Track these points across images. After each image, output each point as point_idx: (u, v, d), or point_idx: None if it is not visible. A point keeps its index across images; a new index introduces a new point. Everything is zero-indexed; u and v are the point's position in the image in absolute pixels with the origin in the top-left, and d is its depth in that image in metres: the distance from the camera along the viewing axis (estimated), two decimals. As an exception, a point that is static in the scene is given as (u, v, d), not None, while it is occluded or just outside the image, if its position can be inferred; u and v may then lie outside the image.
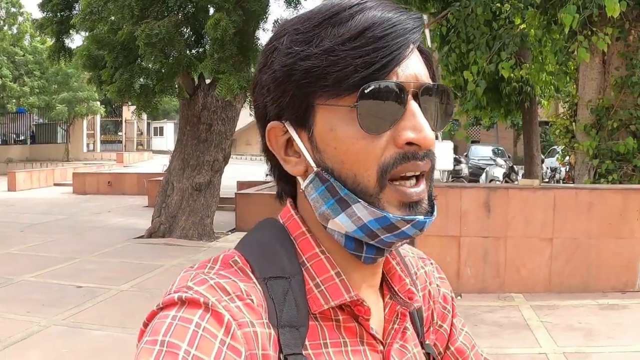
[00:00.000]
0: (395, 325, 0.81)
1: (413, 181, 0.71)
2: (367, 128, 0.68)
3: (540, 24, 8.61)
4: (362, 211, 0.70)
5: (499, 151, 24.63)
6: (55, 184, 23.11)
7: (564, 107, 11.03)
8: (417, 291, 0.88)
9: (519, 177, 18.33)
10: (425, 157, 0.71)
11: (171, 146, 12.20)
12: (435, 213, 0.73)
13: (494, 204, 6.61)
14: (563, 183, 17.79)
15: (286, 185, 0.82)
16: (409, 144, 0.69)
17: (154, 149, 49.64)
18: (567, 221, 6.55)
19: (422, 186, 0.72)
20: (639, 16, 7.93)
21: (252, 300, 0.68)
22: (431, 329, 0.93)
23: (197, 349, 0.60)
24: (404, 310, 0.82)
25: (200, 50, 10.75)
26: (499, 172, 18.68)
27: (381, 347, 0.79)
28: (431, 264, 0.98)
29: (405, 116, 0.69)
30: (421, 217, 0.70)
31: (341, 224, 0.72)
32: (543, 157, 20.85)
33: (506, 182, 17.86)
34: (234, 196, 12.85)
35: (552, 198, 6.56)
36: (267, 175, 19.38)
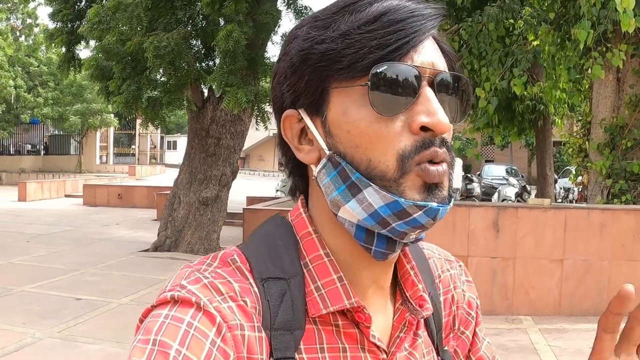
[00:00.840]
0: (402, 334, 0.78)
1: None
2: (379, 109, 0.67)
3: (554, 41, 8.48)
4: (373, 196, 0.68)
5: (512, 171, 24.53)
6: (66, 195, 23.16)
7: (577, 126, 10.88)
8: (439, 295, 0.88)
9: (532, 197, 18.15)
10: (443, 146, 0.68)
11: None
12: (451, 203, 0.70)
13: (503, 224, 6.45)
14: (576, 203, 17.58)
15: (300, 179, 0.81)
16: (424, 129, 0.67)
17: (167, 163, 49.85)
18: (579, 242, 6.37)
19: (444, 166, 0.69)
20: (655, 33, 7.77)
21: (245, 301, 0.67)
22: (451, 335, 0.90)
23: (188, 348, 0.60)
24: (412, 319, 0.79)
25: (210, 63, 10.69)
26: (511, 192, 18.57)
27: (384, 356, 0.76)
28: (459, 266, 0.95)
29: (419, 101, 0.68)
30: (434, 204, 0.67)
31: (352, 210, 0.70)
32: (557, 177, 20.68)
33: (518, 201, 17.69)
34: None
35: (563, 218, 6.39)
36: (277, 191, 19.35)
